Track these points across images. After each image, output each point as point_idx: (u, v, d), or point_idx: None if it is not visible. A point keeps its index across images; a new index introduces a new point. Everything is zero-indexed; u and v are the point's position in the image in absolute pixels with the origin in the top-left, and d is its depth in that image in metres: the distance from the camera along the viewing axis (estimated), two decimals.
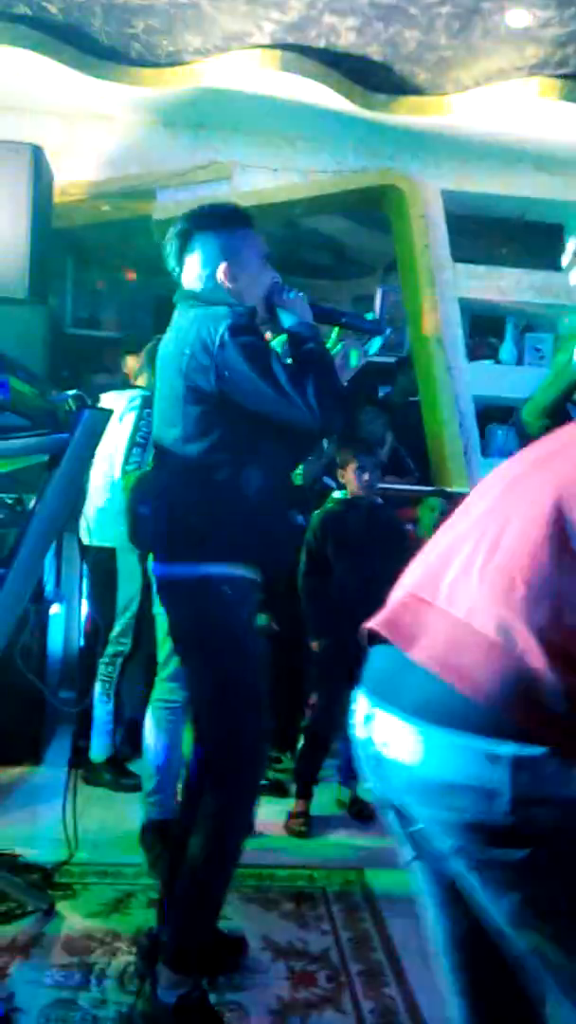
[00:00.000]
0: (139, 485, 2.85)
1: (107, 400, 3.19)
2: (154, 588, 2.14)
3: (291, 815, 3.00)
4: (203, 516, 1.87)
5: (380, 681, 1.12)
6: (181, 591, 1.92)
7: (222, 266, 1.94)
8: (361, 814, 3.07)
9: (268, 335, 2.04)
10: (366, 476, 3.15)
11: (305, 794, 3.05)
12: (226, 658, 1.88)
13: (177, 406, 1.89)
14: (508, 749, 0.95)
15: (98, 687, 3.19)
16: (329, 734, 3.08)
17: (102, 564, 3.19)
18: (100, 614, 3.28)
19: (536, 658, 0.96)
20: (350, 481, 3.18)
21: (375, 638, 1.14)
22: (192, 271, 1.98)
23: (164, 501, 1.96)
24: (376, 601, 1.17)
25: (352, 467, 3.16)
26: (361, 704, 1.12)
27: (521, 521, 1.05)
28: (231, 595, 1.86)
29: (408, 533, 3.47)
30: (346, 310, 2.22)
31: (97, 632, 3.27)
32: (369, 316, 2.14)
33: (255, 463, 1.87)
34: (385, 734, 1.06)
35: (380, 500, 3.34)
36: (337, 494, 3.28)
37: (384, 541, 3.07)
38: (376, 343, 2.14)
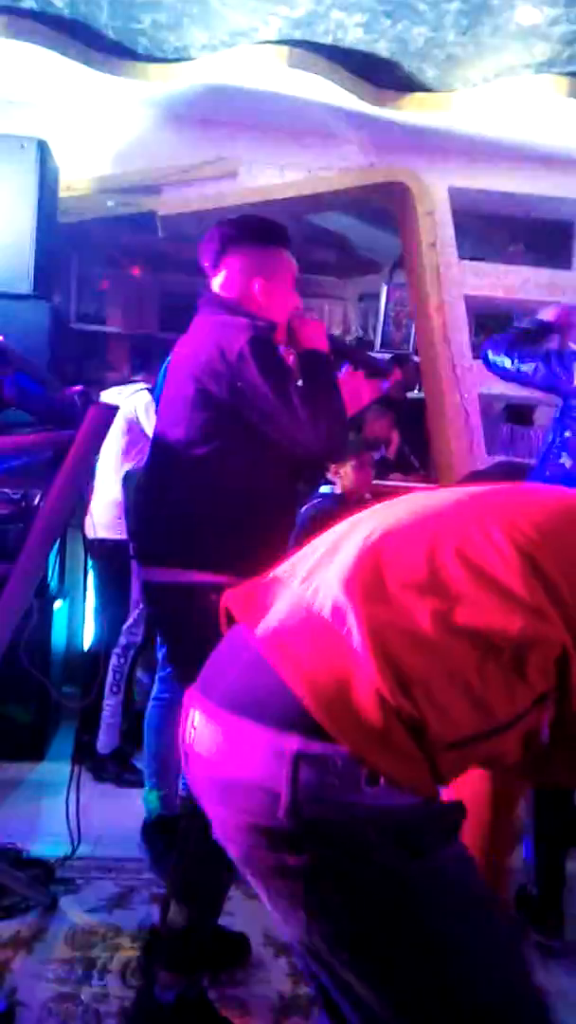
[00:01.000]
0: (138, 482, 2.87)
1: (108, 396, 3.19)
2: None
3: None
4: (195, 522, 1.85)
5: (210, 668, 1.06)
6: (168, 597, 1.91)
7: (258, 280, 1.95)
8: None
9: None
10: (361, 473, 3.14)
11: None
12: None
13: (184, 407, 1.89)
14: (293, 744, 0.87)
15: (108, 678, 3.20)
16: None
17: (115, 558, 3.19)
18: (110, 607, 3.28)
19: (361, 651, 0.87)
20: (344, 476, 3.16)
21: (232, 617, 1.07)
22: (225, 277, 1.99)
23: (156, 503, 1.95)
24: None
25: (348, 463, 3.14)
26: (188, 695, 1.06)
27: (407, 535, 0.99)
28: (218, 603, 1.86)
29: None
30: (358, 349, 2.22)
31: (106, 625, 3.27)
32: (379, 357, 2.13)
33: (255, 473, 1.86)
34: (196, 727, 1.00)
35: (369, 497, 3.33)
36: (324, 489, 3.25)
37: None
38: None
